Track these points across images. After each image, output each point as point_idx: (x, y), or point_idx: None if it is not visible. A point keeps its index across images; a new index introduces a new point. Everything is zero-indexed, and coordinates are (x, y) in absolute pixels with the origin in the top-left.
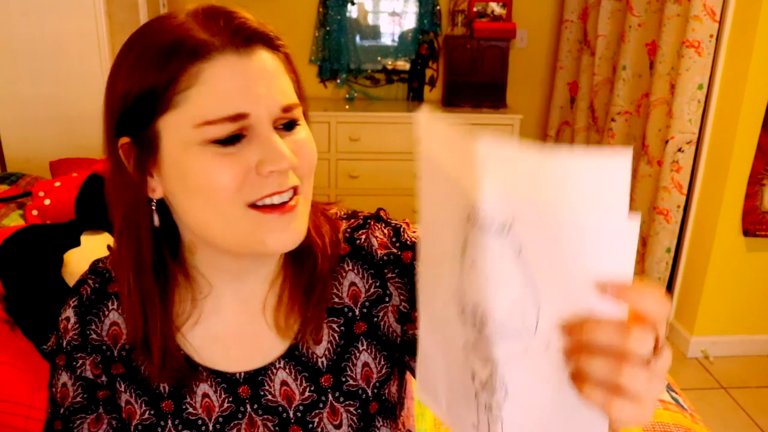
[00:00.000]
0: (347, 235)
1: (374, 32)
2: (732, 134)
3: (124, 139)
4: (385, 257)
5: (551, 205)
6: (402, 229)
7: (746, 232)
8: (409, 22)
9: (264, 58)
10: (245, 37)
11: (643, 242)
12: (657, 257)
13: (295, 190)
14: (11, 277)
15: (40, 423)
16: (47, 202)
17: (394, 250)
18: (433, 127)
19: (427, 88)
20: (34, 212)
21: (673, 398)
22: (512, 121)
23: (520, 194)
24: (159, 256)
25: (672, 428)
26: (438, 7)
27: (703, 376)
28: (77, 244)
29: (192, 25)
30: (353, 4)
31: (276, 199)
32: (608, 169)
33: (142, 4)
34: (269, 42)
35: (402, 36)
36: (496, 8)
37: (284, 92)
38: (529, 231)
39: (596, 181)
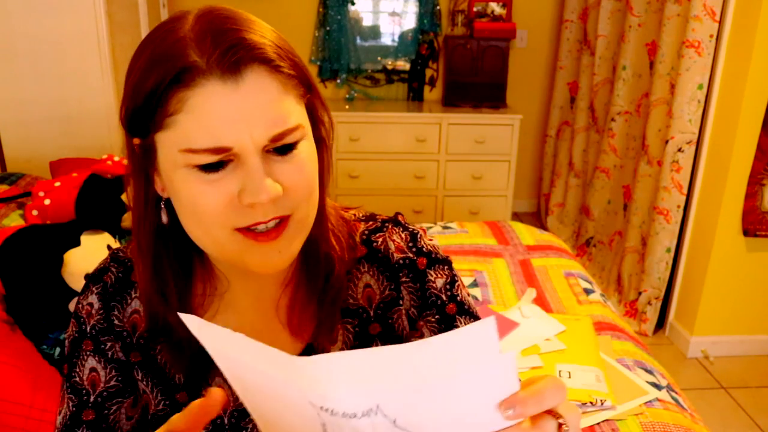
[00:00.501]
0: (364, 237)
1: (374, 32)
2: (732, 134)
3: (136, 140)
4: (401, 261)
5: (419, 382)
6: (419, 235)
7: (746, 232)
8: (409, 22)
9: (256, 82)
10: (234, 61)
11: (643, 242)
12: (657, 257)
13: (283, 219)
14: (11, 277)
15: (40, 423)
16: (47, 202)
17: (410, 255)
18: (218, 335)
19: (427, 88)
20: (34, 212)
21: (673, 398)
22: (512, 121)
23: (375, 387)
24: (180, 248)
25: (672, 428)
26: (438, 7)
27: (703, 376)
28: (77, 244)
29: (188, 42)
30: (353, 4)
31: (260, 228)
32: (474, 337)
33: (142, 4)
34: (266, 63)
35: (402, 36)
36: (496, 8)
37: (277, 119)
38: (399, 406)
39: (464, 350)
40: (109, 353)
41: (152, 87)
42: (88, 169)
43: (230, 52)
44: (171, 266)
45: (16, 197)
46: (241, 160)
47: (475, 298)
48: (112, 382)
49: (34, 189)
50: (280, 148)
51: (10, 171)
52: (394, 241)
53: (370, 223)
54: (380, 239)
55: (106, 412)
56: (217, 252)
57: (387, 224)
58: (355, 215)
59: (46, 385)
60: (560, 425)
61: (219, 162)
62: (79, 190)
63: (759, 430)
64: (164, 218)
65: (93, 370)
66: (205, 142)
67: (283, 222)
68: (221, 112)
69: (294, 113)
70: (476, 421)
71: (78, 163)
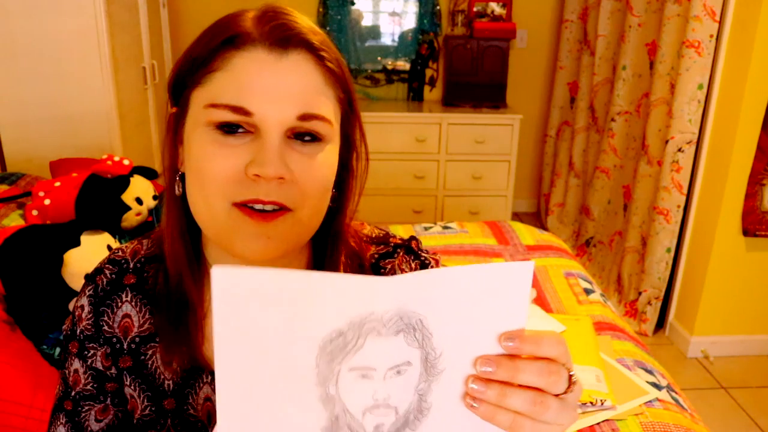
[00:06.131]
0: (373, 261)
1: (374, 32)
2: (732, 134)
3: (172, 110)
4: None
5: (455, 305)
6: (430, 266)
7: (746, 232)
8: (409, 22)
9: (299, 64)
10: (282, 38)
11: (643, 242)
12: (657, 257)
13: (283, 209)
14: (11, 277)
15: (40, 423)
16: (47, 202)
17: None
18: (236, 281)
19: (427, 88)
20: (34, 212)
21: (673, 398)
22: (512, 121)
23: (419, 303)
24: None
25: (672, 428)
26: (438, 7)
27: (703, 376)
28: (77, 244)
29: (245, 17)
30: (353, 4)
31: (257, 206)
32: (514, 272)
33: (142, 4)
34: (312, 50)
35: (402, 36)
36: (496, 8)
37: (309, 103)
38: (437, 324)
39: (502, 282)
40: (90, 360)
41: (203, 46)
42: (88, 169)
43: (281, 28)
44: (190, 258)
45: (16, 197)
46: (261, 135)
47: None
48: (88, 387)
49: (34, 189)
50: (303, 134)
51: (10, 171)
52: (402, 270)
53: (382, 246)
54: (389, 266)
55: (79, 408)
56: (210, 224)
57: (399, 250)
58: (368, 235)
59: (46, 385)
60: (570, 375)
61: (237, 126)
62: (79, 190)
63: (759, 430)
64: (177, 190)
65: (76, 371)
66: (228, 98)
67: (281, 211)
68: (257, 78)
69: (328, 110)
70: (479, 350)
71: (78, 163)
